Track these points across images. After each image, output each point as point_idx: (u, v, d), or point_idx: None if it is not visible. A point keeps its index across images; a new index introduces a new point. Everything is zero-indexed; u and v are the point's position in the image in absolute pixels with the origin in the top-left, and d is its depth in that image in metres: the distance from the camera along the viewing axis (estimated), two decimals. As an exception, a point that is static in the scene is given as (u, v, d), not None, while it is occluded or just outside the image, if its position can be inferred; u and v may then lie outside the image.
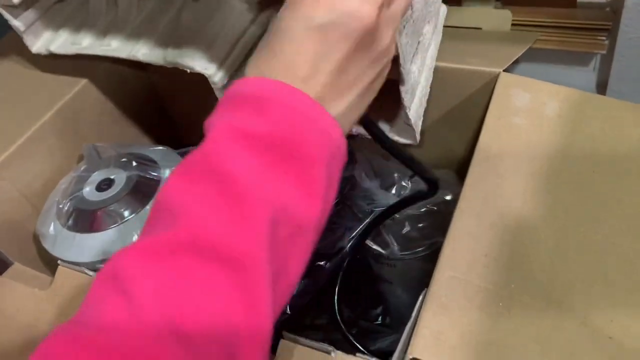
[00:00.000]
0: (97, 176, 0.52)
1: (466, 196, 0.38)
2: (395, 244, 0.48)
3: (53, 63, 0.59)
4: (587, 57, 0.77)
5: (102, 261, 0.47)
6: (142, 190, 0.51)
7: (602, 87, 0.78)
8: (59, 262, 0.39)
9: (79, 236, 0.49)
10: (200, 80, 0.62)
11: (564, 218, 0.37)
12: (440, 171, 0.54)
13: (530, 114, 0.43)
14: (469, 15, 0.72)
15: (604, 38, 0.69)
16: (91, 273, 0.38)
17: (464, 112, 0.50)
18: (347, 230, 0.46)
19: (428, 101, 0.51)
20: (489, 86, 0.47)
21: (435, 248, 0.49)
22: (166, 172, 0.52)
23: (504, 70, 0.47)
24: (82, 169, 0.53)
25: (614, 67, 0.70)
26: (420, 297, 0.33)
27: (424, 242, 0.49)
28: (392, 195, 0.48)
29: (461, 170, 0.56)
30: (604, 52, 0.69)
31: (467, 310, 0.32)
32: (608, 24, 0.68)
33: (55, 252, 0.49)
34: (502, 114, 0.43)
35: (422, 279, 0.50)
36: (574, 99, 0.44)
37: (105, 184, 0.51)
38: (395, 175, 0.49)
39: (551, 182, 0.39)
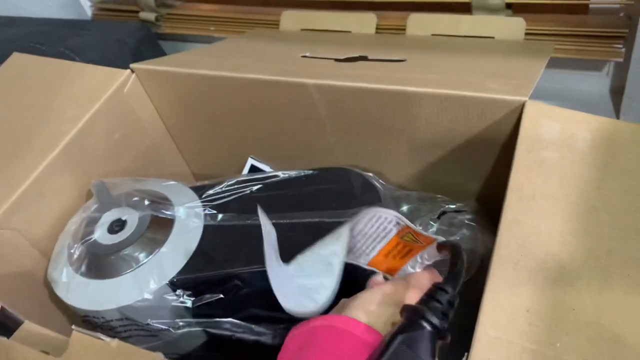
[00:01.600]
0: (108, 217, 0.50)
1: (502, 243, 0.37)
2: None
3: (52, 100, 0.57)
4: (600, 63, 0.75)
5: (118, 309, 0.46)
6: (156, 231, 0.49)
7: (616, 92, 0.76)
8: (73, 327, 0.37)
9: (93, 283, 0.47)
10: (209, 113, 0.60)
11: (606, 261, 0.35)
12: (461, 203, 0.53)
13: (562, 146, 0.41)
14: (481, 24, 0.70)
15: (620, 46, 0.67)
16: (107, 339, 0.37)
17: (486, 142, 0.48)
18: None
19: (447, 132, 0.50)
20: (512, 115, 0.45)
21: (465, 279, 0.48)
22: (180, 210, 0.51)
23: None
24: (92, 209, 0.51)
25: (631, 74, 0.68)
26: (463, 360, 0.32)
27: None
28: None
29: (482, 199, 0.54)
30: (621, 60, 0.67)
31: (513, 374, 0.31)
32: (624, 31, 0.66)
33: (69, 300, 0.47)
34: (532, 148, 0.41)
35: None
36: (605, 128, 0.42)
37: (117, 226, 0.49)
38: (422, 210, 0.47)
39: (589, 222, 0.37)
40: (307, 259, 0.39)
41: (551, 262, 0.35)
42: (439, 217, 0.49)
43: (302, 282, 0.37)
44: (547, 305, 0.34)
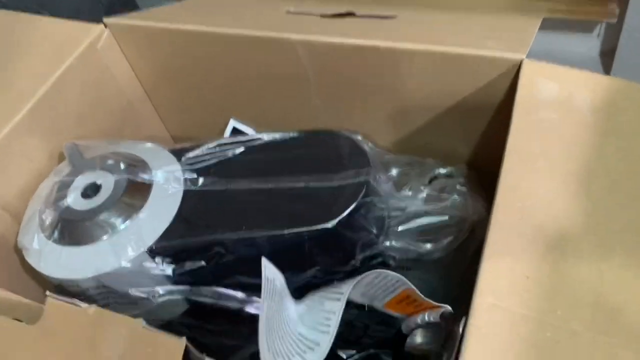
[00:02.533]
0: (81, 181, 0.47)
1: (500, 207, 0.35)
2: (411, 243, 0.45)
3: (19, 57, 0.53)
4: (591, 24, 0.74)
5: (95, 277, 0.44)
6: (133, 196, 0.46)
7: (606, 55, 0.75)
8: (47, 292, 0.35)
9: (67, 250, 0.45)
10: (188, 71, 0.57)
11: (606, 226, 0.34)
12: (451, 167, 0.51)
13: (560, 107, 0.39)
14: (470, -19, 0.67)
15: (614, 6, 0.65)
16: (83, 305, 0.35)
17: (480, 103, 0.46)
18: (362, 247, 0.43)
19: (439, 93, 0.48)
20: (508, 74, 0.43)
21: (455, 246, 0.46)
22: (158, 174, 0.48)
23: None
24: (64, 173, 0.49)
25: (623, 36, 0.67)
26: (461, 329, 0.30)
27: (442, 240, 0.46)
28: (409, 197, 0.44)
29: (473, 164, 0.53)
30: (615, 20, 0.65)
31: (512, 343, 0.30)
32: (619, -10, 0.64)
33: (41, 268, 0.45)
34: (530, 109, 0.39)
35: (442, 283, 0.47)
36: (605, 88, 0.40)
37: (91, 190, 0.47)
38: (411, 174, 0.45)
39: (589, 186, 0.36)
40: (312, 308, 0.38)
41: (551, 228, 0.34)
42: (429, 182, 0.47)
43: (301, 331, 0.37)
44: (547, 272, 0.32)
